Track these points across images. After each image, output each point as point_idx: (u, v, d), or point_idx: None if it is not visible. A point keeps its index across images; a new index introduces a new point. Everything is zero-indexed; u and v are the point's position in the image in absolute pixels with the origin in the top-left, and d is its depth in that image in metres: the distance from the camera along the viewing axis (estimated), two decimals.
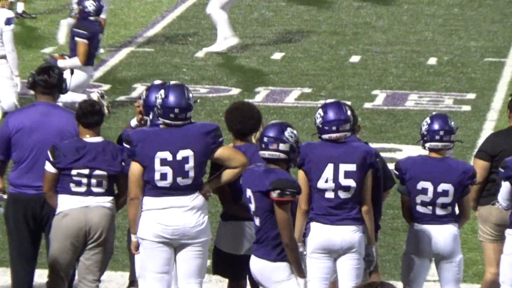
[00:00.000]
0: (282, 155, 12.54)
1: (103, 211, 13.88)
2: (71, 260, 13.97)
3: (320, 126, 13.49)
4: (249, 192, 12.63)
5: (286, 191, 12.38)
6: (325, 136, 13.36)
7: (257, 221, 12.61)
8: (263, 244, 12.61)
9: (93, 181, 13.79)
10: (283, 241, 12.43)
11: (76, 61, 21.47)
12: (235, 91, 22.59)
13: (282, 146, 12.55)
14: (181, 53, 25.02)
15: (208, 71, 23.87)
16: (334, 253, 13.50)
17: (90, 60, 21.88)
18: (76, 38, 21.52)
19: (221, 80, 23.22)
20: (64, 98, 19.71)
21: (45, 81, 14.48)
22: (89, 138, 13.86)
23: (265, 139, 12.64)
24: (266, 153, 12.60)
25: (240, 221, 13.76)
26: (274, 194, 12.32)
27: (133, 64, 24.13)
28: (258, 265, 12.65)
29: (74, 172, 13.76)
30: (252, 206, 12.61)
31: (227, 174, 13.46)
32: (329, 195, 13.38)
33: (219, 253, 13.85)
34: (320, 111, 13.62)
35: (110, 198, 13.84)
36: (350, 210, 13.43)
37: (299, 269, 12.56)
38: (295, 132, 12.73)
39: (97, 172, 13.77)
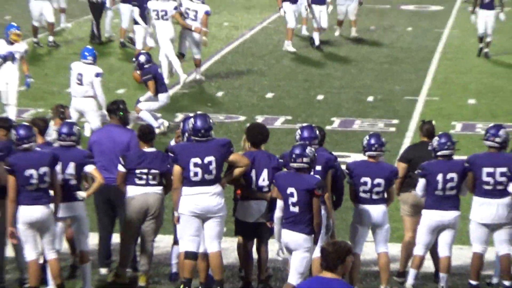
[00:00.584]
0: (306, 165, 12.47)
1: (157, 196, 13.93)
2: (137, 228, 14.00)
3: (299, 140, 13.48)
4: (291, 189, 12.54)
5: (324, 189, 12.46)
6: None
7: (296, 209, 12.51)
8: (300, 223, 12.53)
9: (150, 176, 13.84)
10: (316, 221, 12.47)
11: (149, 93, 21.33)
12: (241, 118, 22.53)
13: (305, 159, 12.49)
14: (206, 93, 24.96)
15: (224, 105, 23.82)
16: None
17: (160, 88, 21.60)
18: (147, 82, 21.37)
19: (232, 111, 23.18)
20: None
21: (108, 110, 14.85)
22: (147, 149, 13.95)
23: (293, 156, 12.59)
24: (295, 165, 12.54)
25: (250, 200, 13.70)
26: (318, 191, 12.32)
27: (175, 101, 24.06)
28: (294, 237, 12.56)
29: (137, 171, 13.82)
30: (293, 199, 12.52)
31: (236, 172, 13.52)
32: None
33: (238, 221, 13.84)
34: (298, 131, 13.65)
35: (161, 187, 13.88)
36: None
37: (318, 239, 12.61)
38: (312, 149, 12.69)
39: (153, 171, 13.82)
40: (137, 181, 13.87)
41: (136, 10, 27.01)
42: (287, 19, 29.12)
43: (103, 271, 14.36)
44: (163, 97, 21.40)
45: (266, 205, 13.47)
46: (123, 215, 14.04)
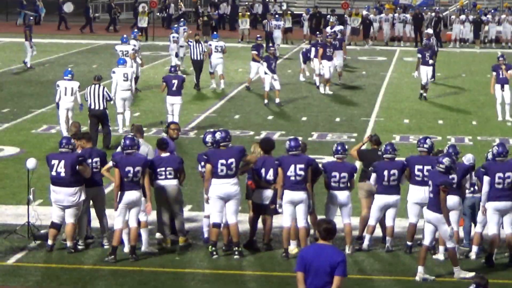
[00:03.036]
0: (442, 170, 12.43)
1: (172, 186, 13.58)
2: (167, 207, 13.89)
3: (288, 148, 13.42)
4: (430, 182, 12.55)
5: (447, 187, 12.37)
6: (290, 153, 13.28)
7: (431, 195, 12.52)
8: (435, 205, 12.42)
9: (167, 172, 13.62)
10: (442, 205, 12.41)
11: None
12: (251, 133, 22.40)
13: (441, 166, 12.41)
14: (228, 116, 24.83)
15: (239, 123, 23.61)
16: (295, 203, 13.35)
17: (168, 91, 21.62)
18: None
19: (245, 128, 23.06)
20: None
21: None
22: (164, 155, 13.69)
23: (437, 163, 12.63)
24: (436, 168, 12.58)
25: (262, 189, 13.55)
26: (442, 187, 12.35)
27: (207, 120, 23.90)
28: (433, 215, 12.41)
29: (158, 170, 13.64)
30: (430, 189, 12.50)
31: (247, 167, 13.56)
32: (292, 178, 13.26)
33: (253, 203, 13.73)
34: (287, 141, 13.58)
35: (176, 180, 13.59)
36: (302, 184, 13.31)
37: (447, 219, 12.41)
38: (452, 159, 12.57)
39: (169, 168, 13.52)
40: (159, 177, 13.64)
41: (265, 64, 25.79)
42: (325, 71, 28.08)
43: (157, 235, 14.14)
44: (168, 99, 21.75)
45: (273, 192, 13.47)
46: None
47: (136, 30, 30.11)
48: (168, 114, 21.67)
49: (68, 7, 46.40)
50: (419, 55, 27.10)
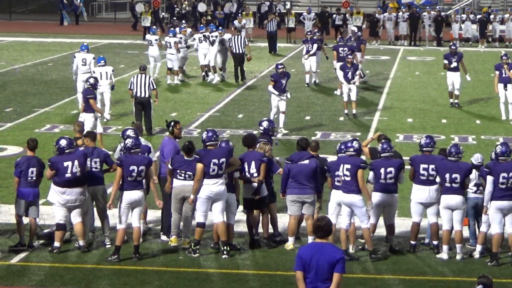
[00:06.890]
0: (458, 158, 13.55)
1: (191, 186, 13.53)
2: (180, 206, 13.81)
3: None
4: (455, 175, 13.16)
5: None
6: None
7: (456, 185, 13.21)
8: (459, 192, 13.18)
9: (186, 175, 13.57)
10: None
11: None
12: (255, 132, 22.15)
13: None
14: (231, 115, 24.73)
15: (243, 123, 23.58)
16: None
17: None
18: None
19: (248, 127, 22.93)
20: None
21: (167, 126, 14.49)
22: (186, 157, 13.70)
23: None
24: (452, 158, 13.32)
25: (247, 183, 13.72)
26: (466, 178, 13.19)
27: (210, 120, 23.92)
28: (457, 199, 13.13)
29: (178, 170, 13.53)
30: (457, 181, 13.19)
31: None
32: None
33: (244, 199, 13.83)
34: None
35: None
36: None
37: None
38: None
39: (188, 173, 13.50)
40: (178, 176, 13.63)
41: (341, 74, 24.05)
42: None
43: (163, 237, 14.12)
44: None
45: (257, 185, 13.64)
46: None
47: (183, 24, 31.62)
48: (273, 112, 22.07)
49: (139, 8, 46.24)
50: (446, 61, 25.54)
